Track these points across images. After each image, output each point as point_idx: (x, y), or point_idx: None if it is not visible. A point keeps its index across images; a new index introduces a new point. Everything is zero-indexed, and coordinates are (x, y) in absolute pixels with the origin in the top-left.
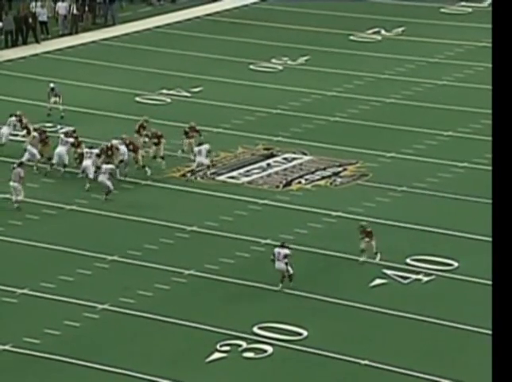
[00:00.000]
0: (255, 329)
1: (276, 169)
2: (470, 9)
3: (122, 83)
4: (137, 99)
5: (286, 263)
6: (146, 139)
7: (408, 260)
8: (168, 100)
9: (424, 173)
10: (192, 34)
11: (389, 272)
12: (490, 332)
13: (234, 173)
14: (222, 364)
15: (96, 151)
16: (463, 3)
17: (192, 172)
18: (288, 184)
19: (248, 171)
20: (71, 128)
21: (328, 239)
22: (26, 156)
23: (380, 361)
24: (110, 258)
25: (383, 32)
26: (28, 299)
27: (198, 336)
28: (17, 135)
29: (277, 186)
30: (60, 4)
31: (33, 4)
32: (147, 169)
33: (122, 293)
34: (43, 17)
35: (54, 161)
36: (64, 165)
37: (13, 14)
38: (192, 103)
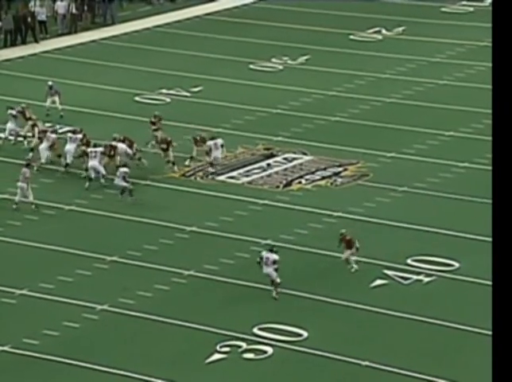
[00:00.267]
0: (255, 330)
1: (276, 169)
2: (471, 9)
3: (122, 83)
4: (137, 98)
5: (276, 270)
6: (153, 142)
7: (408, 261)
8: (168, 100)
9: (425, 173)
10: (191, 34)
11: (389, 273)
12: (490, 332)
13: (234, 173)
14: (222, 365)
15: (101, 149)
16: (464, 2)
17: (211, 164)
18: (289, 184)
19: (248, 171)
20: (77, 128)
21: (329, 240)
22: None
23: (380, 362)
24: (109, 258)
25: (384, 31)
26: (27, 300)
27: (198, 337)
28: (25, 137)
29: (278, 186)
30: (59, 3)
31: (32, 3)
32: (144, 160)
33: (121, 293)
34: (42, 17)
35: (68, 160)
36: (66, 165)
37: (12, 13)
38: (192, 103)
